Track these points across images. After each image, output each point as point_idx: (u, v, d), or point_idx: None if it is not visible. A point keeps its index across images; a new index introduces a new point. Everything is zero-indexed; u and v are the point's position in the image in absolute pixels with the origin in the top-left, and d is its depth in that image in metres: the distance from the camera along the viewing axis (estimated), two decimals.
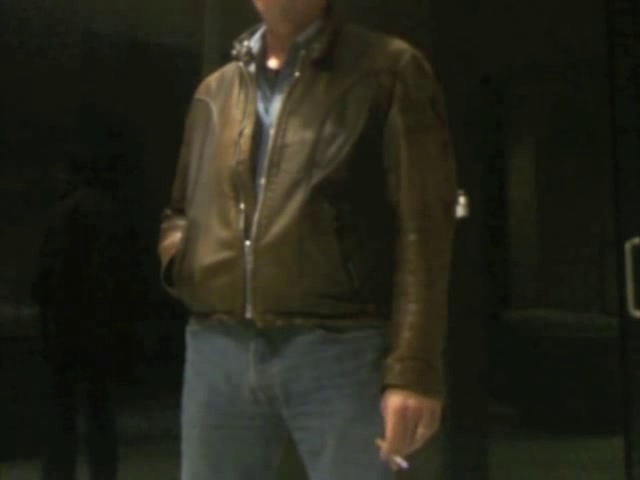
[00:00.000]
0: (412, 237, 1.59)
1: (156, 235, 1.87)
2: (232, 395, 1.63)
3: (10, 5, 3.47)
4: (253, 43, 1.73)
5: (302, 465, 1.66)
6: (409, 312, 1.56)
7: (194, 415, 1.69)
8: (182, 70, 3.48)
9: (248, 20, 1.77)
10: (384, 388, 1.55)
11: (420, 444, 1.55)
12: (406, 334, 1.55)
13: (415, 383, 1.53)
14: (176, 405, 1.75)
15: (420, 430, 1.54)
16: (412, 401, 1.53)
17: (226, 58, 1.81)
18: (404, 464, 1.53)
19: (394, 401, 1.53)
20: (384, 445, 1.53)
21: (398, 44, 1.69)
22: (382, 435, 1.55)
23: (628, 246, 3.08)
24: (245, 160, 1.62)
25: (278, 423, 1.65)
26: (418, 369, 1.54)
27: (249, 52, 1.71)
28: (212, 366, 1.66)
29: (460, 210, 3.10)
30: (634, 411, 3.16)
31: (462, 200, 3.10)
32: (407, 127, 1.62)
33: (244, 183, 1.61)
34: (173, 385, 1.80)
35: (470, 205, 3.11)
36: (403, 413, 1.52)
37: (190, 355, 1.73)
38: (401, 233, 1.60)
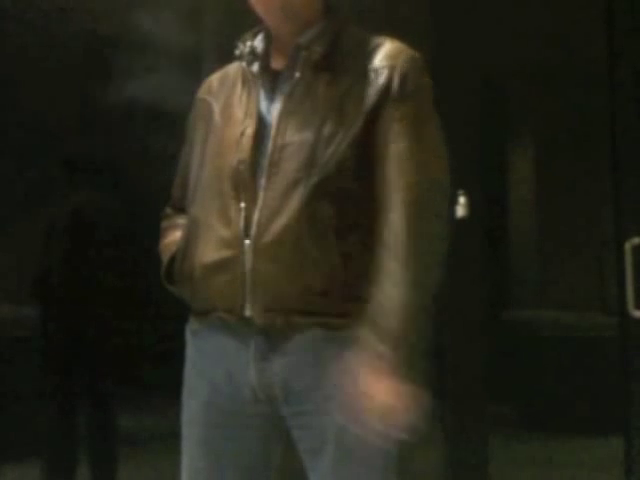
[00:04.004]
0: (393, 213, 1.57)
1: (157, 236, 1.88)
2: (233, 394, 1.64)
3: (10, 5, 3.47)
4: (257, 43, 1.74)
5: (301, 465, 1.66)
6: (383, 288, 1.53)
7: (195, 414, 1.69)
8: (182, 70, 3.48)
9: (248, 20, 1.77)
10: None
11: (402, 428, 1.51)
12: (381, 314, 1.53)
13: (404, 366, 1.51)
14: (176, 405, 1.75)
15: (405, 416, 1.49)
16: (400, 391, 1.49)
17: (226, 58, 1.81)
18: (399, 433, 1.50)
19: (383, 390, 1.50)
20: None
21: (397, 45, 1.70)
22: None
23: (628, 246, 3.09)
24: (246, 159, 1.63)
25: (278, 422, 1.65)
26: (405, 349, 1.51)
27: (253, 52, 1.72)
28: (213, 365, 1.66)
29: (460, 210, 3.10)
30: (634, 411, 3.16)
31: (462, 200, 3.10)
32: (400, 116, 1.62)
33: (245, 182, 1.62)
34: (173, 385, 1.80)
35: (470, 205, 3.11)
36: (392, 405, 1.49)
37: (190, 353, 1.73)
38: (383, 210, 1.58)
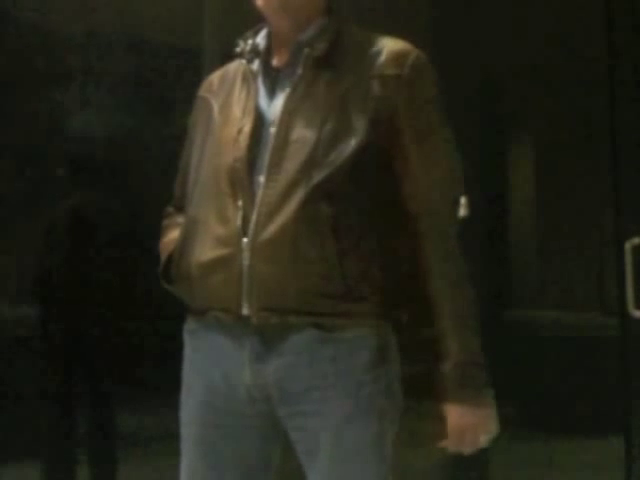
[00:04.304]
0: (428, 241, 1.64)
1: (157, 236, 1.88)
2: (230, 394, 1.64)
3: (10, 5, 3.47)
4: (259, 40, 1.74)
5: (300, 464, 1.66)
6: (444, 317, 1.61)
7: (193, 414, 1.69)
8: (182, 70, 3.48)
9: (248, 19, 1.77)
10: (442, 394, 1.59)
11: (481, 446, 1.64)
12: (452, 341, 1.59)
13: (473, 395, 1.59)
14: (176, 405, 1.75)
15: (481, 438, 1.62)
16: (472, 418, 1.60)
17: (227, 57, 1.81)
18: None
19: (456, 417, 1.59)
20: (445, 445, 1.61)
21: (400, 45, 1.69)
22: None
23: (628, 246, 3.08)
24: (242, 157, 1.62)
25: (276, 422, 1.65)
26: (473, 376, 1.59)
27: (255, 49, 1.72)
28: (210, 365, 1.66)
29: (461, 210, 3.10)
30: (634, 411, 3.16)
31: (462, 200, 3.10)
32: (415, 131, 1.64)
33: (242, 180, 1.61)
34: (173, 385, 1.80)
35: (470, 205, 3.10)
36: (465, 430, 1.60)
37: (188, 353, 1.73)
38: (414, 235, 1.64)
